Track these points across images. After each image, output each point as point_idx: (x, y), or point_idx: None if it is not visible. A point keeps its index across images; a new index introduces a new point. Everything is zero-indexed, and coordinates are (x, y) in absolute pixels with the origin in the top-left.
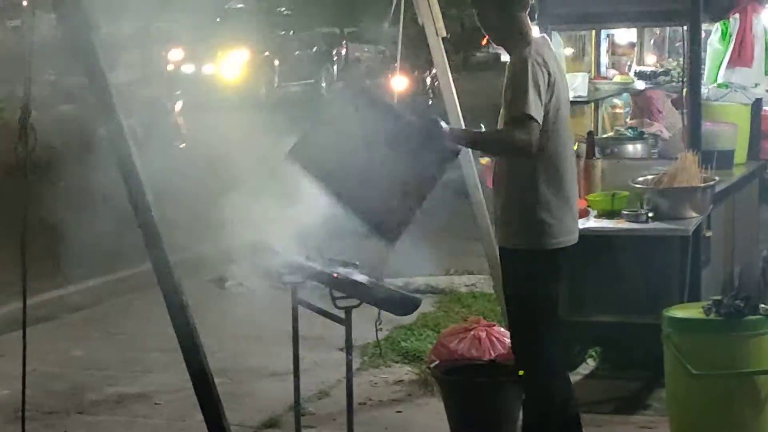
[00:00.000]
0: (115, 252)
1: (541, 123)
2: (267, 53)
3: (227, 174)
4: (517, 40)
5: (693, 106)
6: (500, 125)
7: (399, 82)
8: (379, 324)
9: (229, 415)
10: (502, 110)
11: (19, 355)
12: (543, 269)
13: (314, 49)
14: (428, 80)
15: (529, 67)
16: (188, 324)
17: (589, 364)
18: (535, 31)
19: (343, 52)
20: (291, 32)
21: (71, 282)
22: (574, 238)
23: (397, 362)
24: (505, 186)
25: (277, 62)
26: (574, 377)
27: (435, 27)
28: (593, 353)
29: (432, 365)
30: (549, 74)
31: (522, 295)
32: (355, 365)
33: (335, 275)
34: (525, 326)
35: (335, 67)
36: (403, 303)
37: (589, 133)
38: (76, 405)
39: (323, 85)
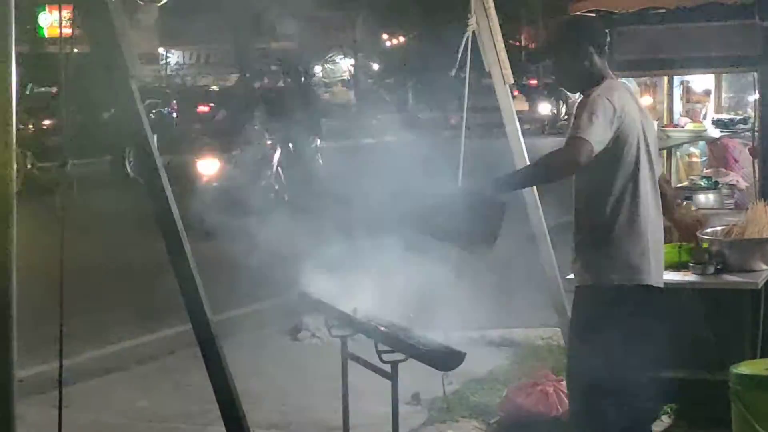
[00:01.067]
0: None
1: (594, 145)
2: None
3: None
4: (592, 84)
5: (765, 154)
6: None
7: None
8: (446, 377)
9: None
10: None
11: (84, 405)
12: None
13: None
14: None
15: (590, 99)
16: (226, 379)
17: (664, 421)
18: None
19: None
20: None
21: (146, 332)
22: (643, 278)
23: (465, 417)
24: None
25: None
26: None
27: (502, 73)
28: (668, 410)
29: (494, 420)
30: (614, 109)
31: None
32: (421, 419)
33: (381, 329)
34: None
35: None
36: (445, 358)
37: None
38: None
39: None
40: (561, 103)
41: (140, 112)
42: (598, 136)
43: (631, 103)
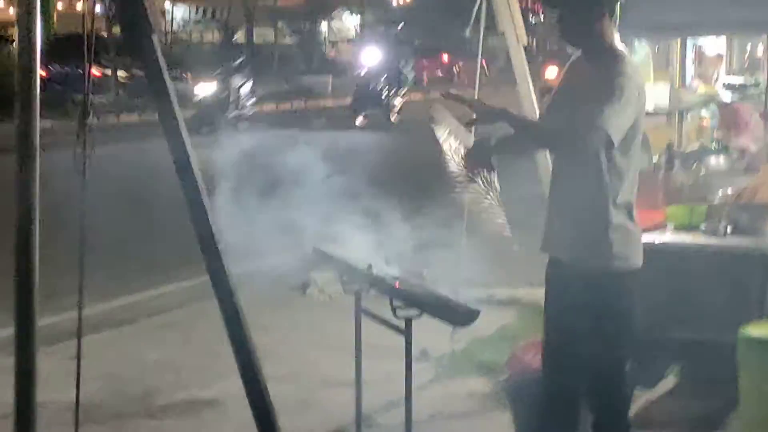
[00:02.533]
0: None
1: (615, 141)
2: None
3: None
4: (604, 47)
5: None
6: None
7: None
8: (455, 335)
9: (295, 424)
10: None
11: (96, 357)
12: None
13: None
14: None
15: (620, 81)
16: (243, 335)
17: (670, 381)
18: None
19: None
20: None
21: (154, 285)
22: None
23: (472, 374)
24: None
25: None
26: (653, 395)
27: (516, 34)
28: (674, 370)
29: (503, 378)
30: (638, 95)
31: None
32: (428, 376)
33: (396, 284)
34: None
35: None
36: (461, 314)
37: (668, 146)
38: (146, 409)
39: None
40: None
41: (162, 69)
42: (620, 131)
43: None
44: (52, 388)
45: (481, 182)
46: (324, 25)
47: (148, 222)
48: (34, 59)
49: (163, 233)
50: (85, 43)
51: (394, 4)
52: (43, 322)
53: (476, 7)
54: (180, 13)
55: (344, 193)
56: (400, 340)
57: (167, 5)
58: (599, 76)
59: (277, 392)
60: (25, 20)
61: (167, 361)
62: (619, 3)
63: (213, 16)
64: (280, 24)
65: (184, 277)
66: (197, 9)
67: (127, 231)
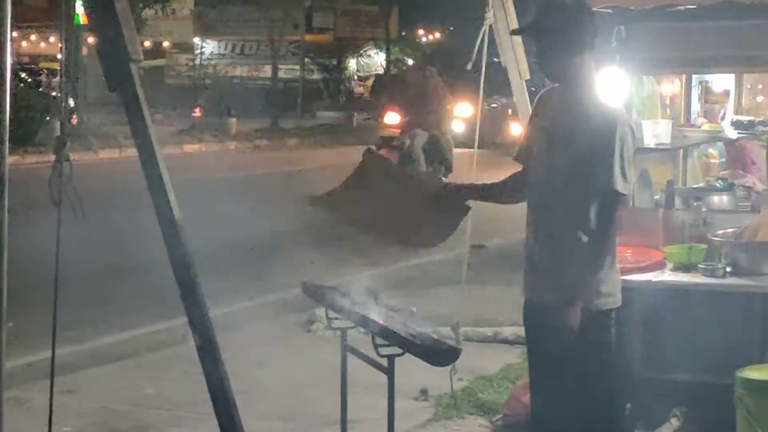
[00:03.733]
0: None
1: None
2: None
3: None
4: (586, 83)
5: None
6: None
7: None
8: (455, 373)
9: None
10: (558, 159)
11: (92, 390)
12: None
13: None
14: None
15: (618, 132)
16: (221, 379)
17: (673, 424)
18: (618, 76)
19: None
20: None
21: (157, 320)
22: None
23: (471, 414)
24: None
25: None
26: None
27: (518, 69)
28: (678, 412)
29: (497, 418)
30: (634, 135)
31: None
32: (427, 415)
33: (379, 321)
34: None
35: None
36: (440, 353)
37: (669, 183)
38: None
39: None
40: None
41: (140, 95)
42: (629, 182)
43: None
44: (44, 421)
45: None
46: (352, 62)
47: (149, 255)
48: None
49: (166, 267)
50: (62, 70)
51: (423, 40)
52: (43, 355)
53: (479, 41)
54: (209, 48)
55: None
56: (400, 378)
57: (196, 40)
58: (590, 122)
59: (271, 430)
60: None
61: (163, 397)
62: (616, 40)
63: (242, 51)
64: (306, 60)
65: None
66: (226, 44)
67: (128, 264)
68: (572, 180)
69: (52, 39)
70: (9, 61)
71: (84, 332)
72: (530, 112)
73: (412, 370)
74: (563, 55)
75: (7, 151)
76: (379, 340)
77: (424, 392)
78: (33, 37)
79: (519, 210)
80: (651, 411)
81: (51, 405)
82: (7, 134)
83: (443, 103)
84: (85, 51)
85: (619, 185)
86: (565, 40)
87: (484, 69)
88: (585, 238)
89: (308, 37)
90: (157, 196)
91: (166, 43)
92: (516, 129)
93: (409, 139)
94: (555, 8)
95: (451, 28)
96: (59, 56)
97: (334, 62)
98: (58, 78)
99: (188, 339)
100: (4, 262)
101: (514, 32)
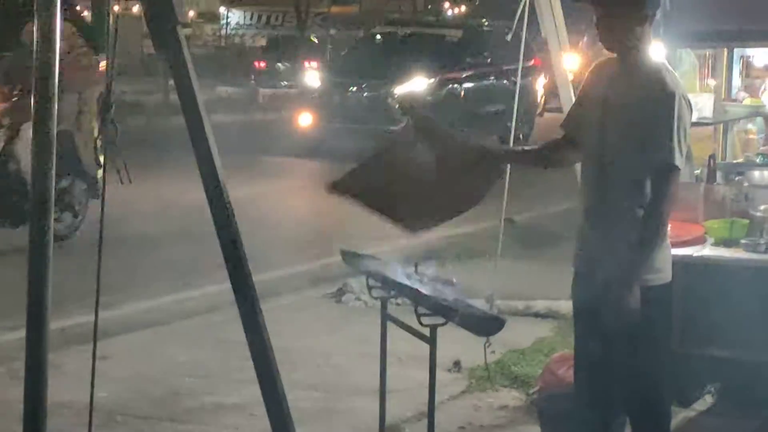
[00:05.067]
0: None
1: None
2: None
3: None
4: (644, 56)
5: None
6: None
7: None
8: (488, 345)
9: None
10: (614, 135)
11: (126, 357)
12: None
13: None
14: None
15: (677, 103)
16: (264, 345)
17: (707, 401)
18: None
19: None
20: None
21: (191, 287)
22: None
23: (505, 386)
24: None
25: None
26: (689, 413)
27: (558, 39)
28: (712, 389)
29: (534, 391)
30: (692, 110)
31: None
32: (460, 387)
33: (421, 291)
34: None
35: None
36: (485, 323)
37: (711, 157)
38: (170, 412)
39: None
40: None
41: (187, 60)
42: (683, 156)
43: None
44: (78, 387)
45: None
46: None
47: (185, 224)
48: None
49: (202, 235)
50: (109, 51)
51: (450, 13)
52: (76, 320)
53: (518, 14)
54: (235, 18)
55: None
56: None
57: (222, 9)
58: (649, 94)
59: (303, 399)
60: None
61: (196, 364)
62: (661, 12)
63: (267, 21)
64: (332, 31)
65: (221, 280)
66: (252, 14)
67: (163, 233)
68: (629, 153)
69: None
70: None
71: (116, 298)
72: (569, 82)
73: (443, 342)
74: (626, 25)
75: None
76: (421, 310)
77: (457, 364)
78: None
79: (546, 184)
80: (686, 387)
81: (93, 371)
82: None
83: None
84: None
85: (677, 159)
86: (631, 9)
87: (524, 40)
88: (641, 212)
89: (334, 9)
90: (204, 164)
91: (191, 13)
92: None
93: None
94: None
95: (477, 2)
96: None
97: (360, 34)
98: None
99: (220, 307)
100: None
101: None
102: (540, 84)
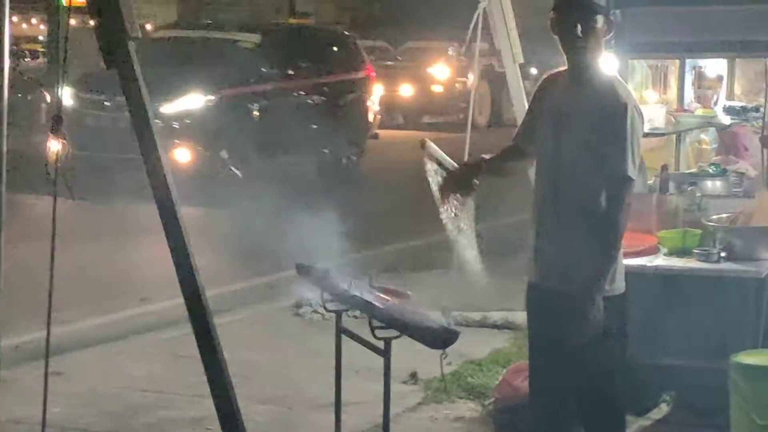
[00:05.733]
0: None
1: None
2: None
3: None
4: (601, 70)
5: None
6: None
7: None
8: (445, 357)
9: None
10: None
11: (80, 374)
12: None
13: None
14: None
15: (629, 115)
16: (218, 359)
17: (662, 409)
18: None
19: None
20: None
21: (147, 302)
22: None
23: (461, 398)
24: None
25: None
26: (645, 422)
27: (512, 53)
28: (667, 398)
29: (490, 402)
30: (643, 121)
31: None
32: (417, 399)
33: (375, 304)
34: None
35: None
36: (438, 335)
37: (663, 167)
38: (126, 427)
39: None
40: None
41: (138, 74)
42: (637, 167)
43: None
44: (32, 403)
45: (452, 210)
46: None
47: (138, 238)
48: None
49: (155, 250)
50: (60, 50)
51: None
52: (30, 336)
53: (472, 26)
54: None
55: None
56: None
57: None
58: (601, 106)
59: (259, 413)
60: None
61: (152, 379)
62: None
63: None
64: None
65: (176, 294)
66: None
67: (117, 248)
68: (582, 164)
69: (34, 20)
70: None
71: (69, 314)
72: (523, 95)
73: (400, 354)
74: (591, 36)
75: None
76: (375, 323)
77: (413, 376)
78: (15, 19)
79: (499, 195)
80: (642, 396)
81: (46, 387)
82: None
83: None
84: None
85: (630, 170)
86: (600, 21)
87: (477, 52)
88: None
89: (291, 21)
90: (154, 178)
91: (148, 26)
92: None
93: None
94: None
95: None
96: (40, 38)
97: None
98: (40, 59)
99: (175, 322)
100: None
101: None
102: (375, 99)
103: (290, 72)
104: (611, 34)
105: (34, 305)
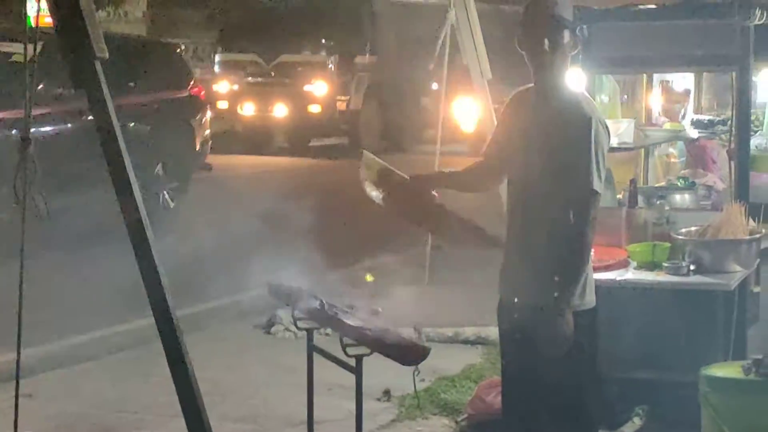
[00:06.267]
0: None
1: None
2: None
3: None
4: (567, 86)
5: (740, 155)
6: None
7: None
8: (417, 373)
9: None
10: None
11: (51, 395)
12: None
13: None
14: None
15: (593, 129)
16: (189, 379)
17: (635, 423)
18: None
19: None
20: None
21: (118, 322)
22: None
23: (435, 414)
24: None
25: None
26: None
27: (480, 68)
28: (640, 411)
29: (463, 418)
30: (609, 135)
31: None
32: (390, 416)
33: (347, 321)
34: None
35: None
36: (410, 352)
37: (632, 182)
38: None
39: None
40: None
41: (106, 94)
42: (602, 180)
43: None
44: (3, 425)
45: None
46: None
47: (108, 257)
48: None
49: (125, 269)
50: (27, 70)
51: None
52: (0, 358)
53: (440, 40)
54: None
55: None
56: (364, 379)
57: None
58: (566, 121)
59: None
60: None
61: (125, 399)
62: (579, 40)
63: (194, 54)
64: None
65: (148, 314)
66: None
67: (85, 267)
68: (549, 179)
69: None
70: None
71: (40, 334)
72: (491, 110)
73: (373, 371)
74: (558, 52)
75: None
76: (347, 340)
77: (386, 393)
78: None
79: (470, 210)
80: (614, 410)
81: (16, 409)
82: None
83: None
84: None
85: (596, 184)
86: (567, 36)
87: (446, 68)
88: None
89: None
90: (123, 196)
91: None
92: None
93: None
94: (567, 5)
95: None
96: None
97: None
98: None
99: (147, 341)
100: None
101: (551, 15)
102: (204, 123)
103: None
104: (578, 49)
105: (3, 327)
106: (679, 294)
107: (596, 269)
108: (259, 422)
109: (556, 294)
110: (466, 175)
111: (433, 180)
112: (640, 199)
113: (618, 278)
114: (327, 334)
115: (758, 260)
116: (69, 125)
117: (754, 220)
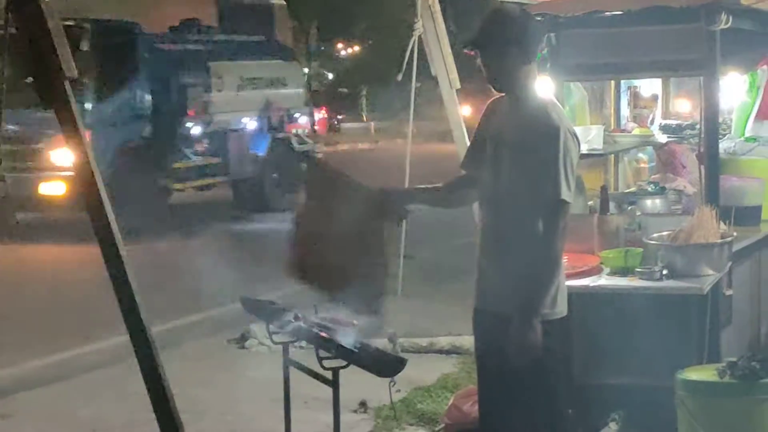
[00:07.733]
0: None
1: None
2: None
3: None
4: (530, 94)
5: (710, 159)
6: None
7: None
8: (393, 384)
9: None
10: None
11: (26, 415)
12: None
13: None
14: None
15: (561, 138)
16: (165, 396)
17: (612, 428)
18: (547, 83)
19: None
20: None
21: (92, 340)
22: None
23: (411, 424)
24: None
25: None
26: None
27: (449, 79)
28: (616, 416)
29: (440, 428)
30: (578, 143)
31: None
32: (368, 427)
33: (322, 334)
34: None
35: None
36: (386, 364)
37: (603, 188)
38: None
39: None
40: None
41: (75, 113)
42: (572, 189)
43: None
44: None
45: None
46: None
47: (81, 277)
48: None
49: (99, 287)
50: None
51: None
52: None
53: (408, 52)
54: None
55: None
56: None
57: None
58: (534, 130)
59: None
60: None
61: (100, 419)
62: (547, 47)
63: None
64: None
65: (122, 331)
66: None
67: (59, 287)
68: (519, 189)
69: None
70: None
71: (14, 354)
72: (461, 121)
73: (349, 382)
74: (511, 66)
75: None
76: (322, 353)
77: (363, 404)
78: None
79: (441, 219)
80: (590, 416)
81: None
82: None
83: None
84: None
85: (564, 193)
86: (513, 50)
87: (414, 79)
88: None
89: None
90: (95, 215)
91: None
92: None
93: None
94: (503, 19)
95: (370, 42)
96: None
97: None
98: None
99: (122, 360)
100: None
101: (465, 45)
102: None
103: None
104: (542, 56)
105: None
106: (653, 299)
107: (569, 276)
108: None
109: (523, 303)
110: (445, 190)
111: (408, 195)
112: (611, 205)
113: (591, 284)
114: (302, 347)
115: (730, 263)
116: None
117: (725, 223)
